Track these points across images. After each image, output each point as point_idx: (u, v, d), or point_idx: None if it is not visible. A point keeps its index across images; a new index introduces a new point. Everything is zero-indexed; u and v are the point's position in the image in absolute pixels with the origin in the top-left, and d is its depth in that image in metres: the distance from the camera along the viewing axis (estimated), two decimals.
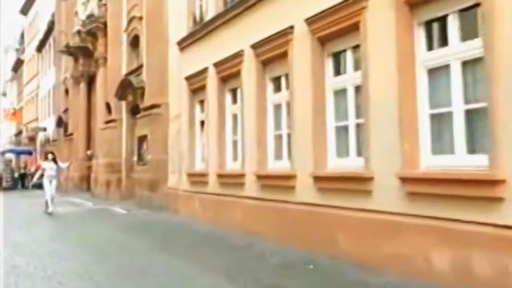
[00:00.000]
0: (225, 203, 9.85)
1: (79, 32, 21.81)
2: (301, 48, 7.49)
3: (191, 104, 12.06)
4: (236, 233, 8.64)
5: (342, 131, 6.94)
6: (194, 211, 11.37)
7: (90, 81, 23.81)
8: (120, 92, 17.38)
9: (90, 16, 20.85)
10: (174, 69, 13.33)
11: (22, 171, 32.03)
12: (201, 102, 11.76)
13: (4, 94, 60.56)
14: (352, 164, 6.61)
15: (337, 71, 7.11)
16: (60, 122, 28.09)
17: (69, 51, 24.32)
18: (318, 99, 7.14)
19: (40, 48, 38.46)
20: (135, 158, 15.44)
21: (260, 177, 8.65)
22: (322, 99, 7.13)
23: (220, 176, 10.26)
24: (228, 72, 9.95)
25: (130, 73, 17.24)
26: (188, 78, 11.94)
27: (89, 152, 23.92)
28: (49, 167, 12.85)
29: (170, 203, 13.12)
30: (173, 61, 13.37)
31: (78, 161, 23.63)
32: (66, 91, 27.93)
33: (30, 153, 35.35)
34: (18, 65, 50.27)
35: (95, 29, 20.17)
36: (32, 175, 28.75)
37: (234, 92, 10.21)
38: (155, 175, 13.98)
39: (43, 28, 36.66)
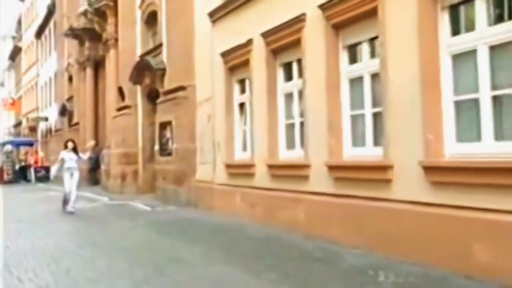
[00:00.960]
0: (281, 199, 8.27)
1: (85, 12, 20.07)
2: None
3: (228, 84, 10.45)
4: (301, 237, 7.10)
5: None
6: (235, 208, 9.81)
7: (97, 66, 22.13)
8: (135, 75, 15.73)
9: None
10: (203, 46, 11.69)
11: (23, 163, 30.36)
12: (241, 81, 10.16)
13: (2, 84, 58.66)
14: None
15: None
16: (64, 111, 26.42)
17: (74, 34, 22.57)
18: None
19: (39, 34, 36.66)
20: (156, 147, 13.82)
21: (332, 168, 7.08)
22: None
23: (271, 167, 8.69)
24: (283, 42, 8.33)
25: (146, 54, 15.57)
26: (224, 54, 10.32)
27: (92, 143, 22.24)
28: (69, 157, 11.12)
29: (200, 199, 11.57)
30: (202, 36, 11.72)
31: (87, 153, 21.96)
32: (70, 78, 26.27)
33: (31, 144, 33.62)
34: (16, 53, 48.42)
35: (104, 7, 18.42)
36: (34, 168, 27.32)
37: (288, 66, 8.61)
38: (181, 167, 12.39)
39: (42, 12, 34.87)
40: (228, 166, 10.32)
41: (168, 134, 13.14)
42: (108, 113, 18.63)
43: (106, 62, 19.23)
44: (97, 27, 19.90)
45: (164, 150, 13.31)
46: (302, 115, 7.98)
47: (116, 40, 18.09)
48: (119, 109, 17.24)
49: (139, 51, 16.32)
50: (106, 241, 7.88)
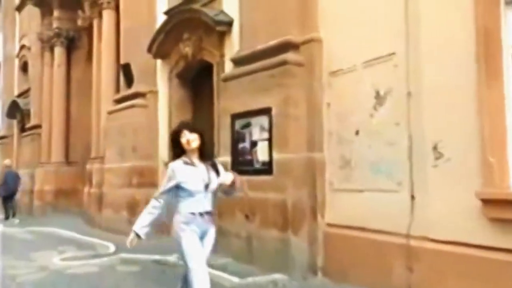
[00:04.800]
0: None
1: None
2: None
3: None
4: None
5: None
6: None
7: (69, 45, 15.57)
8: (162, 40, 9.57)
9: None
10: None
11: None
12: None
13: None
14: None
15: None
16: (14, 111, 19.38)
17: (36, 1, 15.92)
18: None
19: None
20: (225, 158, 7.61)
21: None
22: None
23: None
24: None
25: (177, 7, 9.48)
26: None
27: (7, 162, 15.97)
28: None
29: (341, 262, 5.71)
30: None
31: (52, 167, 15.27)
32: (24, 66, 19.38)
33: None
34: None
35: None
36: None
37: None
38: (292, 195, 6.40)
39: None
40: (493, 203, 4.46)
41: (255, 134, 7.08)
42: (100, 107, 12.14)
43: (95, 31, 12.76)
44: None
45: (247, 165, 7.19)
46: None
47: None
48: (122, 99, 10.91)
49: (162, 4, 10.13)
50: None
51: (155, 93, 10.28)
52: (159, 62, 10.15)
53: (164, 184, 3.81)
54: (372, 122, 5.73)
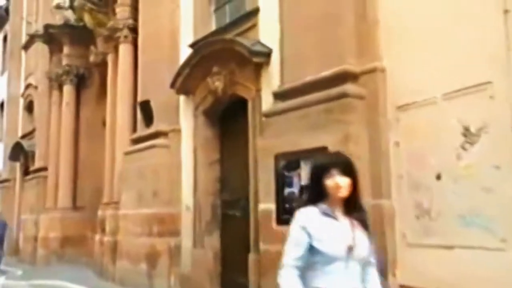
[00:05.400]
0: None
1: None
2: None
3: None
4: None
5: None
6: None
7: (80, 83, 14.80)
8: (187, 74, 8.73)
9: None
10: None
11: None
12: None
13: None
14: None
15: None
16: (17, 153, 18.45)
17: (45, 38, 15.25)
18: None
19: None
20: (269, 206, 6.59)
21: None
22: None
23: None
24: None
25: (203, 39, 8.70)
26: None
27: None
28: None
29: None
30: None
31: (58, 212, 14.23)
32: (29, 106, 18.60)
33: None
34: None
35: None
36: None
37: None
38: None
39: None
40: None
41: (306, 177, 6.12)
42: (115, 147, 11.22)
43: (110, 66, 11.97)
44: (89, 19, 12.73)
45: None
46: None
47: (132, 29, 11.04)
48: (141, 139, 10.00)
49: (187, 36, 9.35)
50: None
51: (177, 131, 9.37)
52: (182, 98, 9.30)
53: (295, 242, 2.45)
54: (459, 164, 4.79)
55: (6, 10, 21.78)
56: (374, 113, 5.69)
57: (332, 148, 5.78)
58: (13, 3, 20.65)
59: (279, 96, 6.82)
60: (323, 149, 5.86)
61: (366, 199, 5.39)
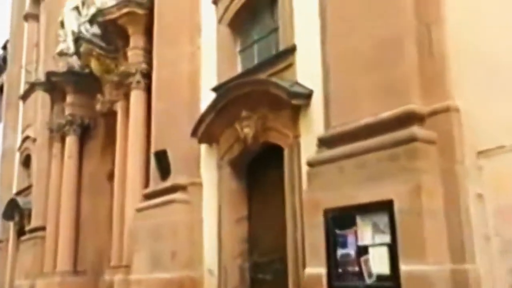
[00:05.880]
0: None
1: (78, 42, 12.23)
2: None
3: None
4: None
5: None
6: None
7: (83, 134, 13.92)
8: (212, 119, 7.92)
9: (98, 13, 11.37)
10: None
11: None
12: None
13: None
14: None
15: None
16: (11, 211, 17.26)
17: (46, 86, 14.49)
18: None
19: None
20: (316, 269, 5.57)
21: None
22: None
23: None
24: None
25: (234, 80, 7.94)
26: None
27: None
28: None
29: None
30: None
31: (56, 277, 12.95)
32: (26, 161, 17.63)
33: None
34: None
35: (124, 19, 10.63)
36: None
37: None
38: None
39: None
40: None
41: (365, 237, 5.19)
42: (124, 204, 10.21)
43: (118, 116, 11.14)
44: (96, 66, 12.01)
45: (351, 279, 5.21)
46: None
47: (146, 75, 10.31)
48: (155, 194, 9.04)
49: (209, 79, 8.59)
50: None
51: (198, 185, 8.45)
52: (204, 147, 8.44)
53: None
54: None
55: (4, 59, 21.22)
56: (449, 160, 4.86)
57: (399, 202, 4.90)
58: (11, 52, 20.09)
59: (325, 142, 5.97)
60: (388, 203, 4.98)
61: (446, 265, 4.49)
